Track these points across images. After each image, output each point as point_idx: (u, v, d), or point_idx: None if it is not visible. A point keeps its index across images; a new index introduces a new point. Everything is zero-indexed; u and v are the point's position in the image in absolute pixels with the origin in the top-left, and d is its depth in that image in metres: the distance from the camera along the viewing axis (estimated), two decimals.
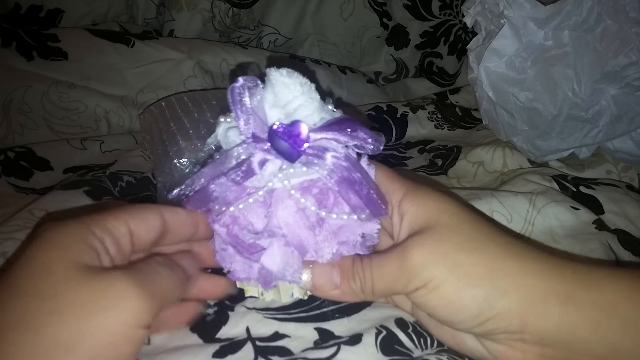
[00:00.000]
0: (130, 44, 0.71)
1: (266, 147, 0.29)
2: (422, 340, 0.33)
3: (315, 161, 0.29)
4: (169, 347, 0.31)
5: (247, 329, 0.32)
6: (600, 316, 0.27)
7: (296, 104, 0.29)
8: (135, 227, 0.29)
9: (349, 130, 0.29)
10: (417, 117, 0.73)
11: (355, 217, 0.29)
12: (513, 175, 0.55)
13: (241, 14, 0.83)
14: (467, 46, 0.62)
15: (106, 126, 0.67)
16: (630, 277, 0.28)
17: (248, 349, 0.31)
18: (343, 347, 0.31)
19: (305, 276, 0.30)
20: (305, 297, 0.33)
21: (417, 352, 0.32)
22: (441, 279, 0.27)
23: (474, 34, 0.62)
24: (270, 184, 0.29)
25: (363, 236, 0.31)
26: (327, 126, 0.30)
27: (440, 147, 0.65)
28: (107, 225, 0.27)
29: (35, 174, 0.55)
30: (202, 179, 0.30)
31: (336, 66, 0.84)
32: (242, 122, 0.29)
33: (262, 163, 0.29)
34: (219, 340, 0.32)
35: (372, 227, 0.31)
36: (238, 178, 0.29)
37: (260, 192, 0.29)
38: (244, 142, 0.29)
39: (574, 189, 0.52)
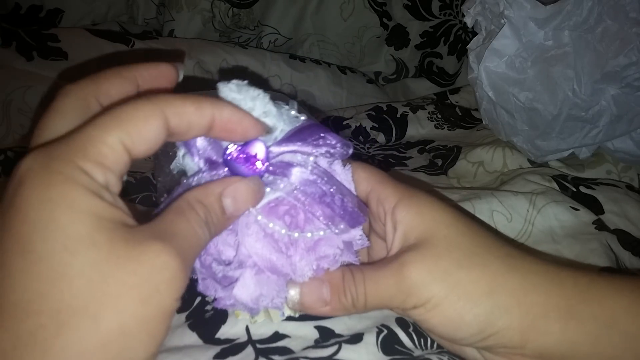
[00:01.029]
0: (130, 44, 0.71)
1: (224, 173, 0.27)
2: (422, 340, 0.33)
3: (279, 180, 0.27)
4: (169, 347, 0.31)
5: (247, 328, 0.32)
6: (601, 331, 0.27)
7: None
8: (132, 143, 0.23)
9: (313, 138, 0.28)
10: (417, 117, 0.73)
11: (330, 230, 0.28)
12: (513, 175, 0.55)
13: (241, 14, 0.83)
14: (468, 46, 0.62)
15: None
16: (630, 289, 0.28)
17: (249, 351, 0.31)
18: (344, 345, 0.31)
19: (293, 295, 0.28)
20: (297, 315, 0.32)
21: (417, 352, 0.32)
22: (440, 297, 0.27)
23: (474, 34, 0.62)
24: None
25: (346, 246, 0.29)
26: (289, 138, 0.28)
27: (440, 147, 0.65)
28: (104, 163, 0.22)
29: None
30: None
31: (336, 66, 0.84)
32: (194, 150, 0.27)
33: None
34: (219, 340, 0.32)
35: (353, 235, 0.29)
36: None
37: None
38: (199, 170, 0.27)
39: (574, 189, 0.52)
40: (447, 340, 0.29)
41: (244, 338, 0.32)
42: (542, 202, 0.47)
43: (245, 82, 0.28)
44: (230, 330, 0.32)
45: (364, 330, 0.32)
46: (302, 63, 0.80)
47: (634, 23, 0.50)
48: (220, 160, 0.27)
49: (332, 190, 0.28)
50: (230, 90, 0.27)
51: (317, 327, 0.32)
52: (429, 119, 0.73)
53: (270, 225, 0.27)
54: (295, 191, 0.27)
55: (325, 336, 0.32)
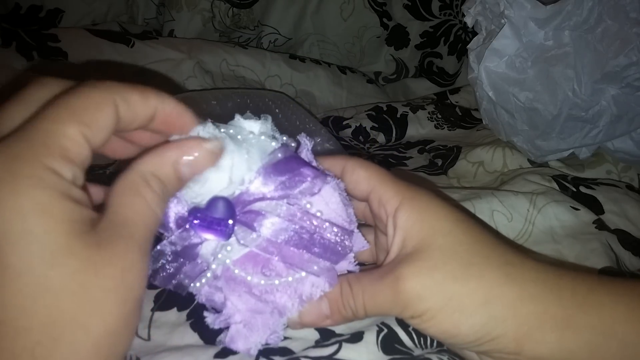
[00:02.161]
0: (130, 44, 0.71)
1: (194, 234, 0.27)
2: (422, 339, 0.33)
3: (250, 233, 0.27)
4: (169, 346, 0.31)
5: None
6: (598, 340, 0.26)
7: (204, 179, 0.26)
8: (90, 134, 0.22)
9: (287, 177, 0.27)
10: (417, 117, 0.73)
11: (312, 271, 0.28)
12: (513, 175, 0.55)
13: (241, 14, 0.83)
14: (468, 46, 0.62)
15: None
16: (630, 297, 0.28)
17: None
18: (344, 344, 0.31)
19: (292, 317, 0.29)
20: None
21: (417, 351, 0.32)
22: (436, 310, 0.27)
23: (474, 34, 0.62)
24: (213, 266, 0.27)
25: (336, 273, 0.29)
26: (262, 179, 0.27)
27: (440, 147, 0.65)
28: (70, 157, 0.21)
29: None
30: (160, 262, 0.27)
31: (336, 66, 0.84)
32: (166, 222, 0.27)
33: (197, 246, 0.27)
34: (220, 341, 0.32)
35: (340, 268, 0.29)
36: (182, 266, 0.27)
37: (209, 274, 0.27)
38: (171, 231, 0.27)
39: (574, 189, 0.52)
40: (445, 344, 0.30)
41: None
42: (543, 202, 0.47)
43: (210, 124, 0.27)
44: None
45: (364, 329, 0.32)
46: (302, 63, 0.80)
47: (634, 23, 0.50)
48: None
49: (309, 230, 0.27)
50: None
51: (318, 328, 0.32)
52: (429, 119, 0.73)
53: (249, 278, 0.27)
54: (266, 243, 0.27)
55: (326, 336, 0.32)
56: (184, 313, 0.34)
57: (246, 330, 0.28)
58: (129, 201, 0.23)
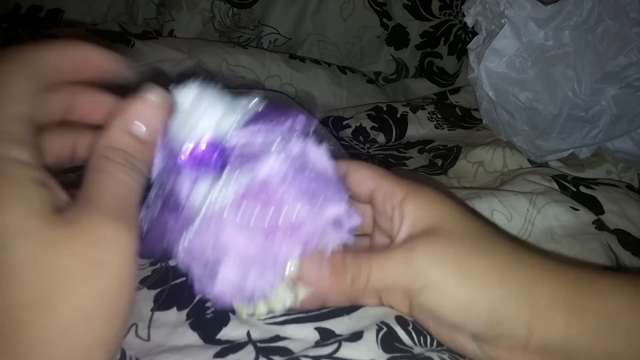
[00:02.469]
0: (130, 44, 0.71)
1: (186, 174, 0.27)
2: (422, 338, 0.33)
3: (245, 170, 0.26)
4: (169, 346, 0.31)
5: (248, 333, 0.32)
6: (603, 326, 0.27)
7: (197, 118, 0.26)
8: (29, 110, 0.22)
9: (274, 120, 0.27)
10: (417, 117, 0.73)
11: (309, 207, 0.27)
12: (513, 175, 0.55)
13: (241, 14, 0.83)
14: (468, 46, 0.62)
15: None
16: (633, 287, 0.28)
17: (249, 349, 0.31)
18: (344, 343, 0.31)
19: (292, 268, 0.28)
20: (298, 304, 0.31)
21: (417, 349, 0.32)
22: (453, 281, 0.27)
23: (474, 34, 0.62)
24: (204, 209, 0.26)
25: (335, 224, 0.28)
26: (249, 125, 0.27)
27: (440, 147, 0.65)
28: (19, 138, 0.21)
29: None
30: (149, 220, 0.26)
31: (336, 66, 0.84)
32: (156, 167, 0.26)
33: (188, 189, 0.27)
34: (220, 341, 0.32)
35: (337, 210, 0.28)
36: (173, 214, 0.26)
37: (198, 220, 0.26)
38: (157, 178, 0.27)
39: (574, 189, 0.52)
40: (452, 328, 0.29)
41: (245, 339, 0.32)
42: (542, 202, 0.47)
43: (196, 82, 0.27)
44: (232, 332, 0.32)
45: (363, 329, 0.32)
46: (302, 63, 0.80)
47: (634, 23, 0.50)
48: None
49: (303, 168, 0.27)
50: (183, 94, 0.26)
51: (318, 329, 0.32)
52: (429, 119, 0.73)
53: (245, 215, 0.26)
54: (263, 177, 0.26)
55: (326, 337, 0.32)
56: (184, 312, 0.34)
57: (237, 272, 0.26)
58: (93, 178, 0.23)
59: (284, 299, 0.30)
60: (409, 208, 0.29)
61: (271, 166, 0.26)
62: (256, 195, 0.27)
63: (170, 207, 0.26)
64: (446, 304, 0.27)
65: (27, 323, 0.19)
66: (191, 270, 0.28)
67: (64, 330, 0.20)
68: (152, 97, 0.25)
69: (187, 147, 0.26)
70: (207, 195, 0.26)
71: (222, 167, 0.26)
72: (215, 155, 0.26)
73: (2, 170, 0.20)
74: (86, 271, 0.20)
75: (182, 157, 0.26)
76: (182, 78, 0.27)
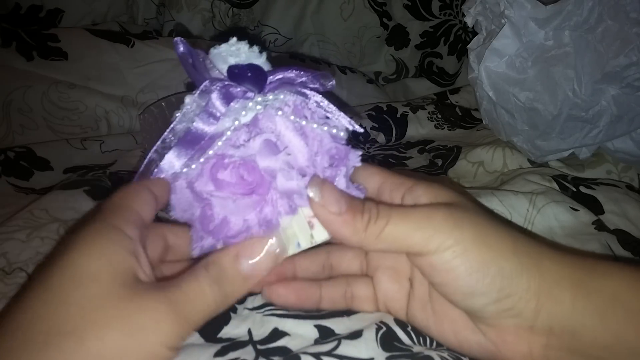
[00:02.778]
0: (130, 44, 0.71)
1: (226, 83, 0.29)
2: (421, 338, 0.33)
3: (281, 91, 0.29)
4: None
5: (249, 331, 0.32)
6: (606, 304, 0.27)
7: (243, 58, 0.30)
8: (143, 209, 0.28)
9: (298, 72, 0.30)
10: (417, 117, 0.73)
11: (330, 129, 0.29)
12: (513, 175, 0.55)
13: (241, 14, 0.83)
14: (468, 46, 0.62)
15: (106, 126, 0.67)
16: (631, 269, 0.29)
17: (249, 350, 0.31)
18: (344, 341, 0.31)
19: (314, 191, 0.27)
20: (312, 245, 0.30)
21: (417, 348, 0.32)
22: (470, 244, 0.27)
23: (474, 34, 0.62)
24: (243, 113, 0.29)
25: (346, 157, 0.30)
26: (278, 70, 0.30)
27: (440, 147, 0.65)
28: (126, 216, 0.27)
29: (35, 174, 0.55)
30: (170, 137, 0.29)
31: (336, 66, 0.84)
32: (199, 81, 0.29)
33: (226, 97, 0.29)
34: (221, 340, 0.32)
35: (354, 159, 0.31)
36: (207, 116, 0.28)
37: (229, 132, 0.28)
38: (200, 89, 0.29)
39: (574, 189, 0.52)
40: (461, 302, 0.29)
41: (245, 338, 0.32)
42: (542, 202, 0.47)
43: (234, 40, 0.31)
44: (233, 331, 0.32)
45: (362, 328, 0.32)
46: (302, 63, 0.80)
47: (634, 23, 0.50)
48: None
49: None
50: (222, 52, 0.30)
51: (317, 326, 0.33)
52: (429, 119, 0.73)
53: (298, 120, 0.29)
54: (298, 98, 0.29)
55: (325, 335, 0.32)
56: None
57: (273, 146, 0.28)
58: (184, 276, 0.26)
59: (297, 237, 0.29)
60: (421, 191, 0.30)
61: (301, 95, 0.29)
62: (300, 109, 0.29)
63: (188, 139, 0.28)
64: (461, 266, 0.27)
65: (54, 346, 0.23)
66: (210, 196, 0.28)
67: None
68: (269, 246, 0.28)
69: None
70: (244, 105, 0.29)
71: (264, 80, 0.29)
72: (260, 70, 0.29)
73: (107, 233, 0.26)
74: (125, 327, 0.24)
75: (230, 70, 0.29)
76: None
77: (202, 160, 0.28)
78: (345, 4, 0.85)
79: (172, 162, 0.29)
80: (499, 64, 0.57)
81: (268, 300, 0.33)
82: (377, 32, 0.87)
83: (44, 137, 0.62)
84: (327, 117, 0.31)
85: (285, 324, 0.32)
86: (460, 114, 0.76)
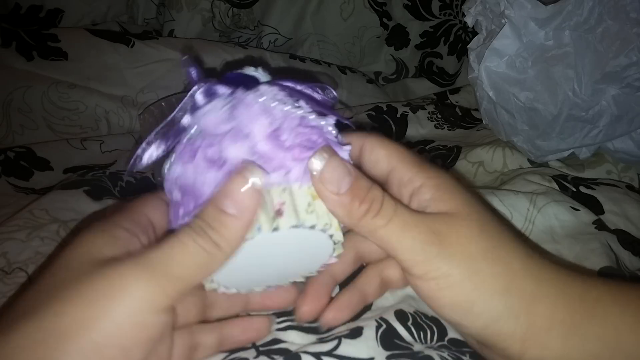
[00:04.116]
0: (130, 44, 0.71)
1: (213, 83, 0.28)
2: (422, 333, 0.33)
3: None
4: None
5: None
6: (602, 351, 0.26)
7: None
8: (153, 214, 0.28)
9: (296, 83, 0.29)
10: (417, 117, 0.73)
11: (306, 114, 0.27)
12: (513, 175, 0.55)
13: (241, 14, 0.83)
14: (468, 46, 0.62)
15: (106, 126, 0.66)
16: (637, 306, 0.27)
17: (250, 352, 0.31)
18: (344, 340, 0.31)
19: (317, 163, 0.25)
20: (273, 231, 0.26)
21: (417, 346, 0.32)
22: (457, 280, 0.26)
23: (474, 33, 0.62)
24: (221, 105, 0.27)
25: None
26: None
27: (440, 147, 0.65)
28: (132, 217, 0.27)
29: (35, 174, 0.55)
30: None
31: (336, 66, 0.84)
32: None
33: (209, 94, 0.28)
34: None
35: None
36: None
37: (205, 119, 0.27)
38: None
39: (574, 189, 0.52)
40: (445, 319, 0.29)
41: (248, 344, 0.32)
42: (543, 202, 0.47)
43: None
44: None
45: (362, 325, 0.32)
46: (302, 63, 0.80)
47: (634, 23, 0.50)
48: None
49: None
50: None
51: (319, 339, 0.32)
52: (429, 119, 0.73)
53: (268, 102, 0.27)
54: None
55: (325, 335, 0.32)
56: None
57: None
58: (165, 240, 0.25)
59: (259, 221, 0.26)
60: (429, 194, 0.28)
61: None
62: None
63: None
64: (445, 300, 0.27)
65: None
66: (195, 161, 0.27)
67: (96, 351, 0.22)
68: (251, 178, 0.24)
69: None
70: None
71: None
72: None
73: (100, 227, 0.26)
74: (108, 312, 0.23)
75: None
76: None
77: (178, 146, 0.28)
78: (345, 4, 0.85)
79: (151, 153, 0.28)
80: (499, 64, 0.57)
81: (327, 327, 0.32)
82: (377, 32, 0.87)
83: (44, 137, 0.62)
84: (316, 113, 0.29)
85: (289, 336, 0.32)
86: (460, 114, 0.75)
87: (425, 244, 0.26)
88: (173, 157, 0.28)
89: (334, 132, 0.28)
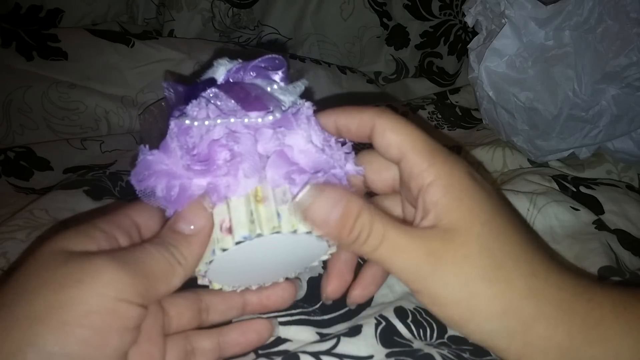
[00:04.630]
0: (130, 44, 0.71)
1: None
2: (421, 330, 0.33)
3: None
4: None
5: None
6: None
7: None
8: (139, 217, 0.28)
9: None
10: (417, 117, 0.73)
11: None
12: (513, 175, 0.55)
13: (241, 14, 0.83)
14: (468, 46, 0.62)
15: (106, 126, 0.66)
16: (636, 319, 0.27)
17: (250, 356, 0.31)
18: (343, 338, 0.31)
19: (304, 196, 0.25)
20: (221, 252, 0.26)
21: (417, 343, 0.32)
22: (451, 301, 0.26)
23: (474, 33, 0.62)
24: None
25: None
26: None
27: None
28: (112, 219, 0.27)
29: (35, 174, 0.55)
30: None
31: (336, 66, 0.84)
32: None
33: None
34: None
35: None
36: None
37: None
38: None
39: (574, 189, 0.52)
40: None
41: None
42: (543, 202, 0.47)
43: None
44: None
45: (362, 322, 0.32)
46: (302, 63, 0.80)
47: (634, 23, 0.50)
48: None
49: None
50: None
51: (319, 334, 0.32)
52: (429, 119, 0.73)
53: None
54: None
55: (324, 335, 0.32)
56: None
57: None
58: (135, 247, 0.26)
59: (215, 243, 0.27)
60: (435, 196, 0.27)
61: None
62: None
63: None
64: (441, 315, 0.27)
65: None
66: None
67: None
68: (206, 203, 0.26)
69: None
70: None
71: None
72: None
73: (80, 228, 0.26)
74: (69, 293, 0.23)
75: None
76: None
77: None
78: (345, 4, 0.85)
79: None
80: (499, 64, 0.57)
81: (356, 304, 0.33)
82: (377, 32, 0.87)
83: (44, 137, 0.62)
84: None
85: (288, 332, 0.32)
86: (460, 114, 0.75)
87: (418, 266, 0.26)
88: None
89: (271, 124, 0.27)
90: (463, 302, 0.26)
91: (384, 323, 0.32)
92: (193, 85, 0.30)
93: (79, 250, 0.25)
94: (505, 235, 0.27)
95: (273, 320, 0.32)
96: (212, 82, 0.30)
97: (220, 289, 0.30)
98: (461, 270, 0.26)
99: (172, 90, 0.30)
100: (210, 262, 0.27)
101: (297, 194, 0.26)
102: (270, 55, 0.30)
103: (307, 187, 0.26)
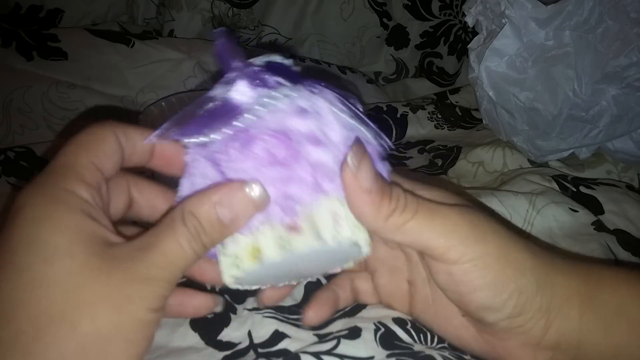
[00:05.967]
0: (130, 44, 0.71)
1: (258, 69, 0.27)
2: (421, 335, 0.33)
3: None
4: (171, 347, 0.31)
5: (249, 333, 0.32)
6: (612, 317, 0.27)
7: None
8: (99, 161, 0.25)
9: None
10: (417, 117, 0.73)
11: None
12: (513, 175, 0.55)
13: (241, 14, 0.83)
14: (468, 45, 0.62)
15: None
16: (637, 279, 0.29)
17: (250, 355, 0.31)
18: (343, 340, 0.31)
19: (350, 160, 0.25)
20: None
21: (417, 346, 0.32)
22: (492, 260, 0.26)
23: (474, 33, 0.62)
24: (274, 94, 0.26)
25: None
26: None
27: (440, 147, 0.65)
28: (83, 179, 0.25)
29: (35, 174, 0.55)
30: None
31: (336, 66, 0.84)
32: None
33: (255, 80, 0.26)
34: (221, 342, 0.32)
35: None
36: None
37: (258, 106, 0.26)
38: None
39: (574, 189, 0.52)
40: (474, 313, 0.28)
41: (246, 342, 0.32)
42: (542, 203, 0.47)
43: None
44: (233, 333, 0.32)
45: (361, 326, 0.32)
46: (302, 63, 0.80)
47: (634, 23, 0.50)
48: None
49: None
50: None
51: (317, 335, 0.33)
52: (429, 119, 0.73)
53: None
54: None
55: (324, 335, 0.32)
56: None
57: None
58: (159, 232, 0.24)
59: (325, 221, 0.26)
60: (425, 196, 0.28)
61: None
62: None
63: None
64: (480, 279, 0.26)
65: (48, 334, 0.21)
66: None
67: (82, 346, 0.22)
68: (253, 191, 0.24)
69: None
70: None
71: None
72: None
73: (63, 200, 0.24)
74: (111, 300, 0.22)
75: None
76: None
77: (226, 131, 0.25)
78: (345, 4, 0.85)
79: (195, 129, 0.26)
80: (499, 64, 0.57)
81: (309, 325, 0.32)
82: (377, 32, 0.87)
83: (44, 137, 0.62)
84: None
85: (287, 328, 0.33)
86: (460, 114, 0.75)
87: (457, 226, 0.26)
88: (217, 134, 0.26)
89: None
90: (503, 259, 0.27)
91: (382, 329, 0.32)
92: (282, 64, 0.28)
93: (105, 242, 0.24)
94: (505, 233, 0.29)
95: (219, 298, 0.31)
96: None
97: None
98: (492, 226, 0.28)
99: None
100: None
101: (346, 157, 0.25)
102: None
103: (352, 152, 0.25)
